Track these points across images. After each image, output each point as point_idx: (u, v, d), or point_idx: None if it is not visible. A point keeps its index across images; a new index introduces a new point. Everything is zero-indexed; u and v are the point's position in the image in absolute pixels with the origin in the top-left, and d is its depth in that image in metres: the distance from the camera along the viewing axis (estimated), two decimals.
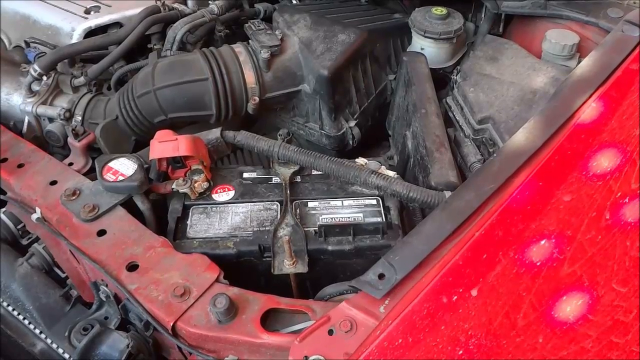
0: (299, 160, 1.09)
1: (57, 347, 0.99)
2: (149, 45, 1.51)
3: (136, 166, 1.04)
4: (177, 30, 1.42)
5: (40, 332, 1.01)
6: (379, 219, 1.03)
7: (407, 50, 1.52)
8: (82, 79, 1.36)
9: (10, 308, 1.04)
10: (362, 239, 0.98)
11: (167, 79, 1.27)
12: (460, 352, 0.69)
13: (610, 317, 0.69)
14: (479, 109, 1.18)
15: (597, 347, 0.67)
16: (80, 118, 1.31)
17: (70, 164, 1.13)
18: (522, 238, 0.79)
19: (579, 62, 1.24)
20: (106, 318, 0.93)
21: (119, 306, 0.90)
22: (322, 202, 1.07)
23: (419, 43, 1.48)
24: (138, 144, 1.31)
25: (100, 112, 1.32)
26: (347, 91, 1.39)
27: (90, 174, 1.12)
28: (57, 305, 1.02)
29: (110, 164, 1.05)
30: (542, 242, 0.78)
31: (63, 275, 1.09)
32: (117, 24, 1.49)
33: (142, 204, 1.04)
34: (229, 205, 1.07)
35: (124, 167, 1.04)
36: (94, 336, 0.87)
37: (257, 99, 1.31)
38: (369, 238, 0.99)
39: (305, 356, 0.73)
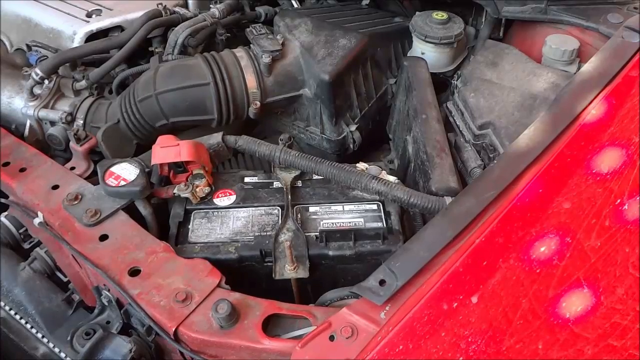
0: (300, 165, 1.09)
1: (60, 352, 0.99)
2: (150, 49, 1.51)
3: (138, 171, 1.05)
4: (179, 34, 1.42)
5: (43, 336, 1.02)
6: (380, 224, 1.03)
7: (408, 54, 1.53)
8: (83, 83, 1.37)
9: (12, 312, 1.05)
10: (363, 244, 0.99)
11: (168, 83, 1.27)
12: (461, 358, 0.69)
13: (608, 320, 0.70)
14: (480, 114, 1.18)
15: (595, 350, 0.68)
16: (81, 122, 1.31)
17: (72, 168, 1.13)
18: (523, 244, 0.79)
19: (579, 68, 1.25)
20: (108, 322, 0.93)
21: (121, 311, 0.90)
22: (323, 206, 1.07)
23: (419, 47, 1.48)
24: (140, 148, 1.31)
25: (102, 115, 1.32)
26: (348, 95, 1.40)
27: (92, 177, 1.12)
28: (59, 309, 1.03)
29: (112, 169, 1.05)
30: (542, 248, 0.78)
31: (65, 280, 1.10)
32: (118, 28, 1.49)
33: (144, 209, 1.04)
34: (231, 209, 1.07)
35: (125, 171, 1.05)
36: (97, 341, 0.87)
37: (258, 103, 1.32)
38: (369, 243, 0.99)
39: None
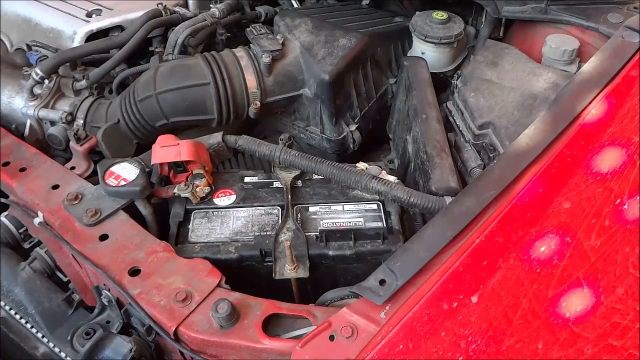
0: (300, 164, 1.09)
1: (60, 351, 0.99)
2: (150, 49, 1.51)
3: (138, 171, 1.05)
4: (179, 34, 1.42)
5: (43, 336, 1.02)
6: (380, 224, 1.03)
7: (408, 54, 1.53)
8: (83, 82, 1.37)
9: (12, 312, 1.05)
10: (363, 244, 0.99)
11: (168, 83, 1.27)
12: (461, 358, 0.69)
13: (608, 320, 0.70)
14: (480, 114, 1.18)
15: (595, 350, 0.68)
16: (81, 121, 1.31)
17: (72, 168, 1.14)
18: (523, 244, 0.79)
19: (579, 67, 1.25)
20: (108, 322, 0.93)
21: (121, 310, 0.90)
22: (323, 206, 1.07)
23: (419, 47, 1.48)
24: (140, 147, 1.31)
25: (102, 115, 1.32)
26: (348, 95, 1.40)
27: (92, 177, 1.12)
28: (59, 309, 1.02)
29: (112, 169, 1.05)
30: (542, 248, 0.78)
31: (65, 279, 1.10)
32: (118, 28, 1.49)
33: (144, 209, 1.04)
34: (231, 209, 1.07)
35: (125, 171, 1.05)
36: (97, 340, 0.87)
37: (258, 103, 1.32)
38: (369, 243, 0.99)
39: None
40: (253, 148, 1.12)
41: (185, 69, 1.30)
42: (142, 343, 0.88)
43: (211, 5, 1.55)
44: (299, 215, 1.05)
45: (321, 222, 1.04)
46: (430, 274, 0.78)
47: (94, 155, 1.21)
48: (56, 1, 1.54)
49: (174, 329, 0.83)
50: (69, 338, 0.90)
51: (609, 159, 0.88)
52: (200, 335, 0.83)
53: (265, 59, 1.31)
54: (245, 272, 0.99)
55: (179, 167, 1.09)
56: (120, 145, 1.28)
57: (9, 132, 1.22)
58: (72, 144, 1.16)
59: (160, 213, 1.08)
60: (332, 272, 1.00)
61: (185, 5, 1.62)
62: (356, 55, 1.38)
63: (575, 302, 0.72)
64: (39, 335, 1.02)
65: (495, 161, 0.95)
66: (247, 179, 1.14)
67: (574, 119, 0.96)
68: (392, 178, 1.07)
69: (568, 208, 0.83)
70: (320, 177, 1.12)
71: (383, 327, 0.75)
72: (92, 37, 1.46)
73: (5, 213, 1.16)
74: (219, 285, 0.89)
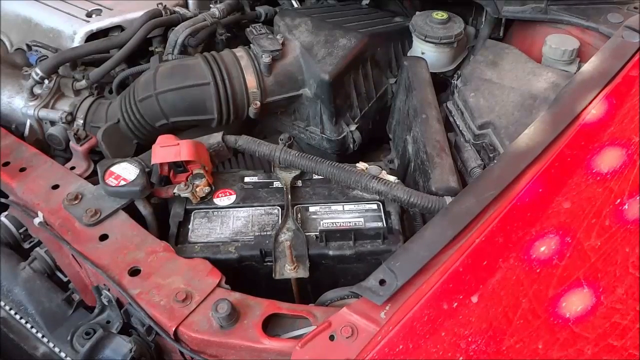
0: (300, 164, 1.09)
1: (60, 351, 0.99)
2: (150, 49, 1.51)
3: (138, 171, 1.05)
4: (179, 34, 1.42)
5: (43, 336, 1.02)
6: (380, 224, 1.03)
7: (408, 54, 1.53)
8: (83, 82, 1.37)
9: (12, 312, 1.05)
10: (363, 244, 0.99)
11: (168, 83, 1.27)
12: (461, 358, 0.69)
13: (608, 320, 0.70)
14: (480, 114, 1.18)
15: (595, 350, 0.68)
16: (81, 121, 1.32)
17: (72, 168, 1.14)
18: (523, 244, 0.79)
19: (579, 67, 1.25)
20: (108, 322, 0.93)
21: (121, 310, 0.90)
22: (323, 206, 1.07)
23: (419, 47, 1.48)
24: (140, 147, 1.31)
25: (102, 115, 1.32)
26: (348, 95, 1.40)
27: (92, 177, 1.12)
28: (59, 309, 1.03)
29: (112, 169, 1.05)
30: (542, 248, 0.78)
31: (65, 280, 1.10)
32: (118, 27, 1.49)
33: (144, 209, 1.04)
34: (231, 209, 1.07)
35: (125, 171, 1.05)
36: (97, 340, 0.87)
37: (258, 103, 1.32)
38: (369, 243, 0.99)
39: None
40: (253, 148, 1.12)
41: (185, 69, 1.30)
42: (142, 343, 0.88)
43: (211, 5, 1.55)
44: (299, 215, 1.05)
45: (321, 222, 1.04)
46: (430, 274, 0.78)
47: (94, 155, 1.21)
48: (56, 1, 1.54)
49: (174, 329, 0.83)
50: (69, 338, 0.90)
51: (609, 159, 0.88)
52: (200, 335, 0.83)
53: (265, 59, 1.31)
54: (245, 272, 0.99)
55: (179, 167, 1.09)
56: (120, 145, 1.28)
57: (9, 132, 1.22)
58: (72, 144, 1.16)
59: (160, 213, 1.08)
60: (332, 272, 1.00)
61: (185, 5, 1.62)
62: (356, 55, 1.38)
63: (575, 302, 0.72)
64: (39, 335, 1.02)
65: (495, 161, 0.95)
66: (247, 179, 1.14)
67: (574, 119, 0.96)
68: (392, 178, 1.07)
69: (568, 208, 0.83)
70: (320, 177, 1.12)
71: (383, 327, 0.75)
72: (92, 37, 1.46)
73: (5, 213, 1.16)
74: (219, 285, 0.89)
